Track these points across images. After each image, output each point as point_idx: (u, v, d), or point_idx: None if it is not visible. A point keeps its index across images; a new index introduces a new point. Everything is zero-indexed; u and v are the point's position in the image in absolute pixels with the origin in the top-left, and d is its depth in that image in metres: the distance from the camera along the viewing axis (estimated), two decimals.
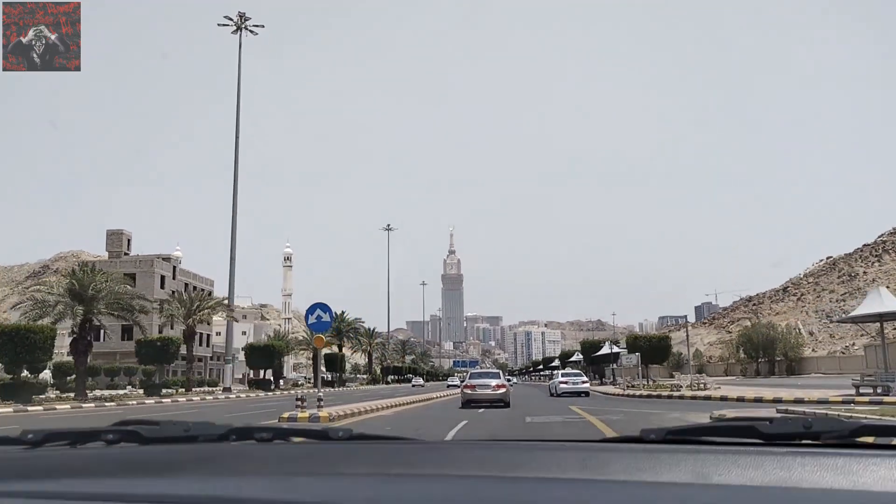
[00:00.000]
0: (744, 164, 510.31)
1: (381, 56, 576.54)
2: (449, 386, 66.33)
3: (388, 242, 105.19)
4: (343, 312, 75.50)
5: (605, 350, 53.96)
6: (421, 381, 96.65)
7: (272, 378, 57.80)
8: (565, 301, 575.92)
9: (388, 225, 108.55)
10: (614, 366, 52.84)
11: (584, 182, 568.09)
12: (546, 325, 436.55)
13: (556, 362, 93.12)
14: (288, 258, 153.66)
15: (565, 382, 36.30)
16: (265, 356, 52.93)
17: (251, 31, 48.11)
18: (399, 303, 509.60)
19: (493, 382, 26.47)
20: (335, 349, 75.12)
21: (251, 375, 62.72)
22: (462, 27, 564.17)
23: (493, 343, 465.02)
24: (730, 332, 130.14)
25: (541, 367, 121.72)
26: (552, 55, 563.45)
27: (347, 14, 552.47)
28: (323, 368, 71.20)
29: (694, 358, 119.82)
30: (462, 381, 35.78)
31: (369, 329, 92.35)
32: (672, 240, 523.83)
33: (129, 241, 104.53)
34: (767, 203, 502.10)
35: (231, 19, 47.09)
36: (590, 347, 59.49)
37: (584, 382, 36.72)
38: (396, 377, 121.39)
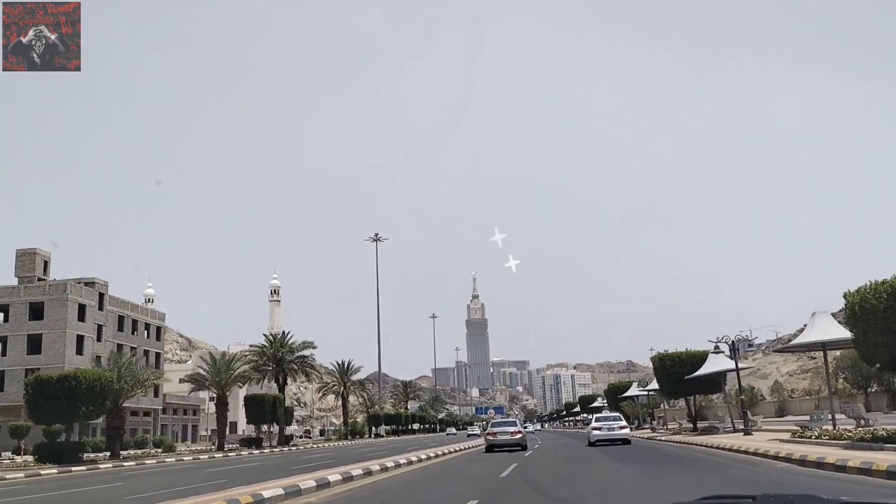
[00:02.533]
0: (770, 200, 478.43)
1: (395, 98, 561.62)
2: (470, 435, 60.93)
3: (376, 253, 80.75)
4: (286, 333, 50.05)
5: (715, 365, 27.81)
6: (454, 430, 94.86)
7: (109, 436, 31.51)
8: (593, 343, 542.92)
9: (377, 234, 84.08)
10: (726, 396, 26.57)
11: (609, 221, 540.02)
12: (575, 368, 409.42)
13: (600, 401, 66.57)
14: (275, 291, 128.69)
15: (599, 429, 29.39)
16: (64, 398, 26.55)
17: None
18: (424, 351, 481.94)
19: (511, 429, 28.98)
20: (270, 387, 49.50)
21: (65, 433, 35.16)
22: (479, 79, 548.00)
23: (520, 388, 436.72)
24: (813, 358, 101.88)
25: (576, 409, 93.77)
26: (575, 90, 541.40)
27: (365, 38, 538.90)
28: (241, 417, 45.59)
29: (773, 392, 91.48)
30: (483, 430, 40.34)
31: (342, 363, 66.74)
32: (700, 277, 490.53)
33: (45, 262, 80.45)
34: (798, 237, 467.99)
35: None
36: (671, 364, 32.57)
37: (622, 428, 29.23)
38: (395, 428, 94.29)
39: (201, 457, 34.99)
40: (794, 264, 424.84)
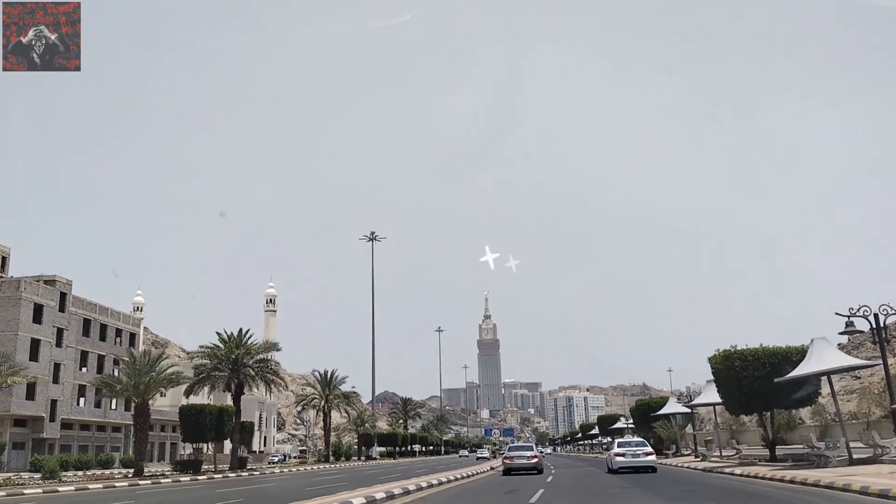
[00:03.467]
0: (787, 225, 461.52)
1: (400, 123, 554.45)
2: (479, 458, 58.61)
3: (371, 253, 71.49)
4: (244, 331, 40.18)
5: (821, 361, 17.75)
6: (466, 452, 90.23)
7: None
8: (606, 365, 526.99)
9: (373, 233, 74.64)
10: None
11: (624, 242, 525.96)
12: (588, 390, 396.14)
13: (623, 422, 56.06)
14: (271, 300, 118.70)
15: (622, 454, 26.56)
16: None
17: None
18: (434, 372, 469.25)
19: (528, 454, 30.20)
20: (216, 395, 39.70)
21: None
22: (495, 91, 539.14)
23: (531, 410, 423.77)
24: (858, 378, 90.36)
25: (594, 431, 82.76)
26: (598, 113, 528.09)
27: (382, 67, 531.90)
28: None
29: (813, 415, 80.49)
30: (493, 452, 43.18)
31: (325, 373, 56.71)
32: (715, 302, 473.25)
33: (3, 258, 71.59)
34: (815, 265, 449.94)
35: None
36: (743, 365, 21.86)
37: (647, 454, 26.27)
38: (392, 450, 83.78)
39: (92, 486, 24.94)
40: (811, 289, 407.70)
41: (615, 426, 59.95)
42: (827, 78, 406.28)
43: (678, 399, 39.11)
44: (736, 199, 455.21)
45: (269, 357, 39.88)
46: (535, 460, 29.15)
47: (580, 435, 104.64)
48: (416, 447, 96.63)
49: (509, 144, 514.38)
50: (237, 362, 38.73)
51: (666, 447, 40.76)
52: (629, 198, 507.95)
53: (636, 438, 33.37)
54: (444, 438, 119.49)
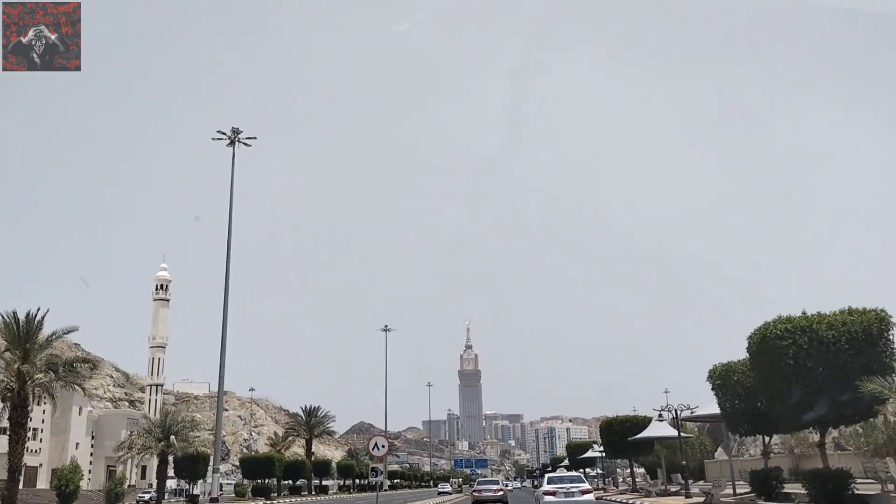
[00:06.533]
0: (784, 249, 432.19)
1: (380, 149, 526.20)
2: (440, 493, 59.84)
3: (233, 157, 40.77)
4: None
5: None
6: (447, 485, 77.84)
7: None
8: (589, 397, 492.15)
9: (235, 130, 44.27)
10: None
11: (610, 273, 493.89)
12: (571, 421, 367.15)
13: (665, 426, 26.45)
14: (162, 287, 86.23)
15: (552, 493, 21.71)
16: None
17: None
18: (414, 402, 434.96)
19: (495, 487, 33.35)
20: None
21: None
22: (476, 125, 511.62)
23: (512, 442, 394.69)
24: None
25: (592, 452, 52.13)
26: (581, 144, 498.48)
27: (342, 109, 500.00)
28: None
29: None
30: (460, 487, 51.55)
31: (17, 319, 24.97)
32: (707, 333, 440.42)
33: None
34: (810, 285, 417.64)
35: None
36: None
37: (584, 492, 21.70)
38: (269, 484, 51.11)
39: None
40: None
41: (646, 435, 29.19)
42: None
43: None
44: (742, 229, 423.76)
45: None
46: (501, 493, 31.22)
47: (568, 464, 73.79)
48: (331, 481, 64.41)
49: (498, 174, 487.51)
50: None
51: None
52: (617, 225, 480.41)
53: (571, 473, 29.64)
54: (386, 469, 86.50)
